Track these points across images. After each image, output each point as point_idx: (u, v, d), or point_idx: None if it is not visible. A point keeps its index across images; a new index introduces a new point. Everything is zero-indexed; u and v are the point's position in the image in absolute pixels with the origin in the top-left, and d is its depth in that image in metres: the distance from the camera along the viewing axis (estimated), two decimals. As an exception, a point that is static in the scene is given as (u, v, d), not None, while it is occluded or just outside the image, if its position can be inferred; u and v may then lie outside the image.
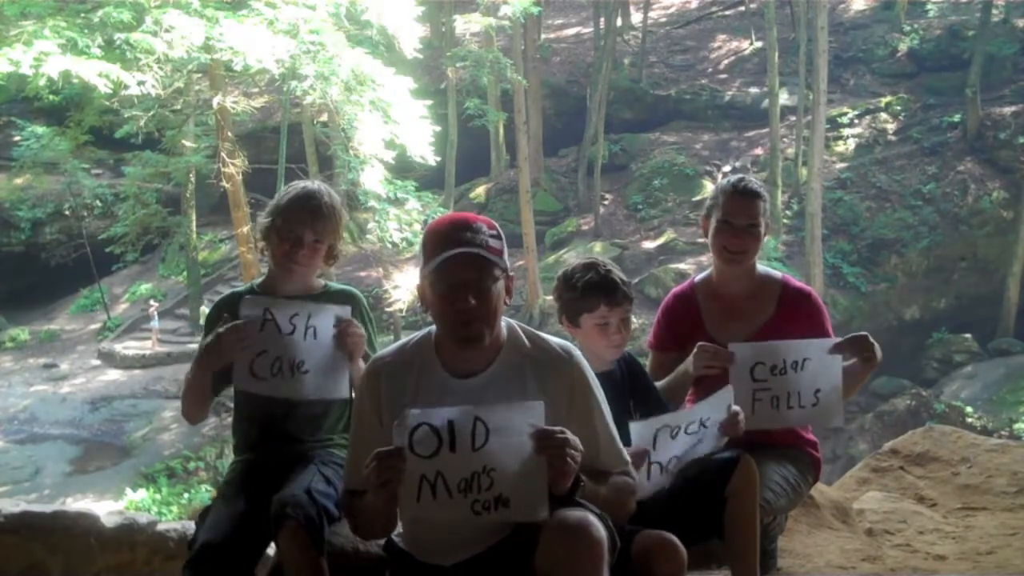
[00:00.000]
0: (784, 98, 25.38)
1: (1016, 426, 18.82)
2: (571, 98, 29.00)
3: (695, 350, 3.01)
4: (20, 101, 24.13)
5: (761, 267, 3.26)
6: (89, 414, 20.93)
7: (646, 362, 3.28)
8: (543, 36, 29.81)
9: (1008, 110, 25.02)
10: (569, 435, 2.13)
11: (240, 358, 2.79)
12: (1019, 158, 24.16)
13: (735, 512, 2.71)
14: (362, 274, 22.79)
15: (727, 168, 25.62)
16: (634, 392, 2.93)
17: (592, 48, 29.58)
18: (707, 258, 3.30)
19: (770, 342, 3.04)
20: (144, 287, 26.41)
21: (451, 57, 22.59)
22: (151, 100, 15.95)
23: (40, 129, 22.52)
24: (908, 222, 24.04)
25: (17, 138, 24.00)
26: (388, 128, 15.29)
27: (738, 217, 3.09)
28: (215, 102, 16.84)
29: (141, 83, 13.60)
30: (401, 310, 21.03)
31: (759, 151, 26.53)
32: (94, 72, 12.58)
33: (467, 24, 23.64)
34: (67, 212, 25.88)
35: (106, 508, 9.80)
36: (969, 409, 19.32)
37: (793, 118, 25.46)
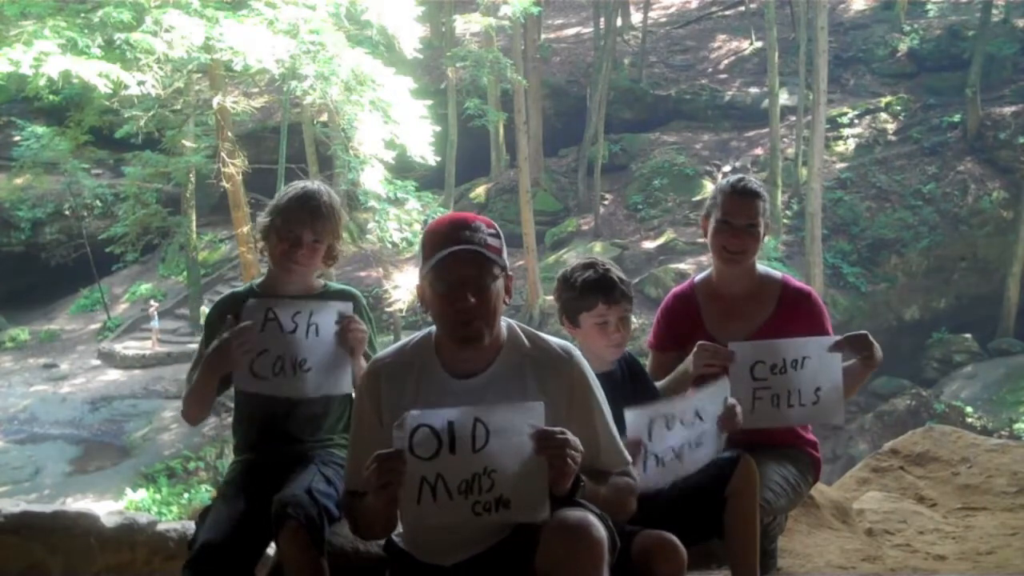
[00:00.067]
0: (784, 98, 25.38)
1: (1016, 426, 18.82)
2: (571, 98, 29.00)
3: (695, 349, 3.01)
4: (20, 101, 24.15)
5: (761, 267, 3.26)
6: (89, 414, 20.93)
7: (646, 362, 3.29)
8: (543, 36, 29.81)
9: (1008, 110, 25.02)
10: (569, 435, 2.13)
11: (243, 361, 2.79)
12: (1019, 158, 24.16)
13: (735, 512, 2.71)
14: (362, 274, 22.79)
15: (727, 168, 25.62)
16: (635, 393, 2.92)
17: (592, 48, 29.58)
18: (707, 258, 3.31)
19: (770, 340, 3.04)
20: (144, 287, 26.41)
21: (451, 57, 22.59)
22: (151, 100, 15.95)
23: (40, 129, 22.52)
24: (908, 222, 24.05)
25: (17, 138, 24.01)
26: (388, 128, 15.29)
27: (737, 217, 3.09)
28: (215, 102, 16.84)
29: (141, 83, 13.60)
30: (401, 310, 21.03)
31: (759, 151, 26.53)
32: (94, 72, 12.58)
33: (467, 24, 23.64)
34: (67, 212, 25.89)
35: (106, 508, 9.80)
36: (969, 409, 19.32)
37: (793, 118, 25.46)
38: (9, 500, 4.11)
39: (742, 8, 32.54)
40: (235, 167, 17.05)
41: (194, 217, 23.34)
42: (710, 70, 30.04)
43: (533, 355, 2.34)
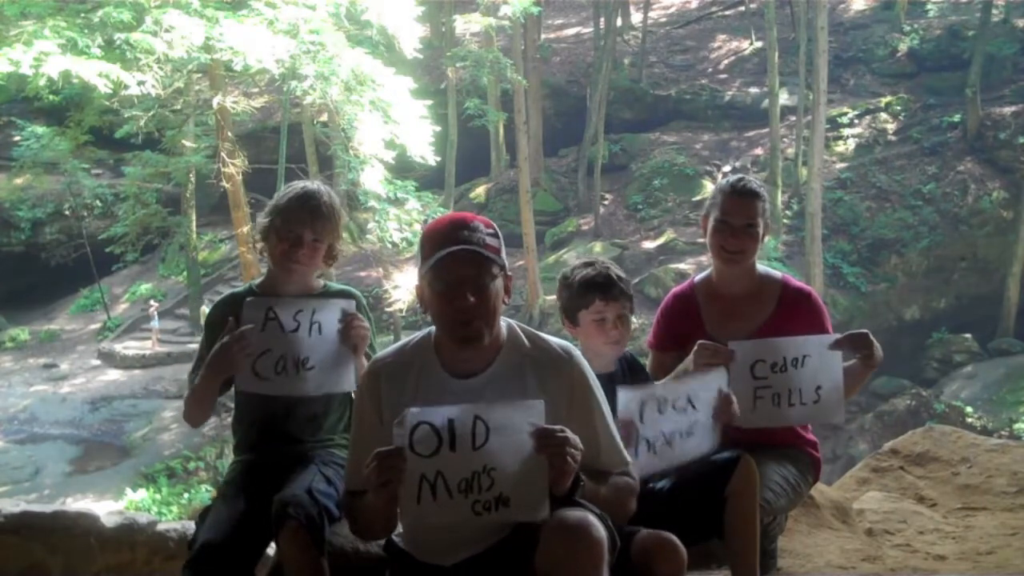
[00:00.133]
0: (784, 98, 25.39)
1: (1016, 426, 18.82)
2: (571, 98, 29.01)
3: (695, 348, 3.00)
4: (20, 101, 24.15)
5: (761, 267, 3.26)
6: (89, 414, 20.93)
7: (646, 362, 3.29)
8: (543, 36, 29.82)
9: (1008, 110, 25.02)
10: (569, 434, 2.13)
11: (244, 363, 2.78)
12: (1019, 158, 24.17)
13: (735, 512, 2.71)
14: (362, 274, 22.79)
15: (727, 168, 25.64)
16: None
17: (592, 48, 29.58)
18: (707, 258, 3.31)
19: (770, 339, 3.04)
20: (144, 287, 26.42)
21: (451, 57, 22.59)
22: (151, 100, 15.95)
23: (40, 129, 22.54)
24: (908, 222, 24.05)
25: (17, 138, 24.02)
26: (388, 128, 15.29)
27: (736, 217, 3.09)
28: (215, 102, 16.84)
29: (141, 83, 13.59)
30: (401, 310, 21.03)
31: (759, 151, 26.54)
32: (94, 72, 12.58)
33: (467, 24, 23.65)
34: (67, 212, 25.89)
35: (106, 508, 9.80)
36: (969, 409, 19.33)
37: (793, 118, 25.46)
38: (9, 500, 4.11)
39: (742, 8, 32.54)
40: (235, 167, 17.05)
41: (194, 217, 23.34)
42: (710, 70, 30.05)
43: (533, 355, 2.35)
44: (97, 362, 23.51)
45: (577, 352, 2.39)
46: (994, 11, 26.56)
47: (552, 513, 2.12)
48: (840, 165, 25.53)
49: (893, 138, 26.17)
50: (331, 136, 17.56)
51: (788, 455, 3.16)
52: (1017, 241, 23.19)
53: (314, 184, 2.97)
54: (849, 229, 24.13)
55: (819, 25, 22.12)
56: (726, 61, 30.36)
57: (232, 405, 2.97)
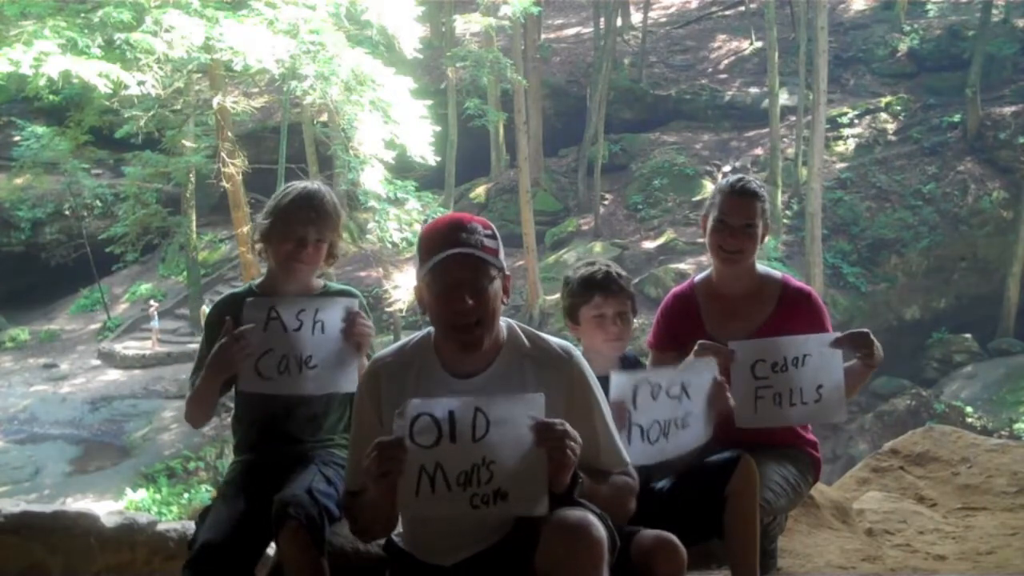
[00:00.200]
0: (784, 98, 25.39)
1: (1016, 426, 18.83)
2: (571, 98, 29.01)
3: (695, 348, 3.00)
4: (20, 101, 24.16)
5: (761, 267, 3.26)
6: (89, 414, 20.94)
7: (647, 362, 3.29)
8: (543, 36, 29.82)
9: (1008, 110, 25.03)
10: (568, 427, 2.13)
11: (244, 363, 2.78)
12: (1019, 158, 24.17)
13: (735, 512, 2.71)
14: (362, 274, 22.80)
15: (727, 168, 25.64)
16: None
17: (592, 48, 29.59)
18: (707, 258, 3.29)
19: (770, 338, 3.04)
20: (144, 287, 26.43)
21: (451, 57, 22.60)
22: (151, 100, 15.96)
23: (40, 129, 22.55)
24: (908, 222, 24.06)
25: (17, 138, 24.03)
26: (388, 128, 15.29)
27: (734, 217, 3.09)
28: (215, 102, 16.85)
29: (141, 83, 13.60)
30: (401, 310, 21.04)
31: (759, 151, 26.54)
32: (94, 72, 12.58)
33: (467, 24, 23.65)
34: (67, 212, 25.90)
35: (106, 508, 9.80)
36: (969, 409, 19.33)
37: (793, 118, 25.47)
38: (9, 500, 4.11)
39: (742, 8, 32.54)
40: (235, 167, 17.06)
41: (194, 217, 23.35)
42: (710, 70, 30.05)
43: (533, 355, 2.35)
44: (97, 362, 23.52)
45: (577, 352, 2.39)
46: (994, 11, 26.56)
47: (552, 513, 2.12)
48: (840, 165, 25.53)
49: (893, 138, 26.17)
50: (331, 136, 17.57)
51: (788, 455, 3.16)
52: (1017, 241, 23.19)
53: (314, 184, 2.97)
54: (849, 229, 24.13)
55: (819, 25, 22.13)
56: (726, 61, 30.37)
57: (232, 405, 2.97)
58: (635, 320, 3.11)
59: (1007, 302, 23.01)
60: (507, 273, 2.31)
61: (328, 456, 2.83)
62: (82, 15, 13.60)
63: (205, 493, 16.47)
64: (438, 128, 16.90)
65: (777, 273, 3.30)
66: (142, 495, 16.63)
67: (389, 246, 18.45)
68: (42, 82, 12.66)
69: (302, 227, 2.85)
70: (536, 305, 22.43)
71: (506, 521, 2.24)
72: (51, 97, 18.33)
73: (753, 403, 2.97)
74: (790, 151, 25.66)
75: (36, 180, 23.13)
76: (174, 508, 16.12)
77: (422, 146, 15.70)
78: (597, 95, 26.01)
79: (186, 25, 13.14)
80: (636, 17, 32.18)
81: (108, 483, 17.62)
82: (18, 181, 25.13)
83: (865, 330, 3.09)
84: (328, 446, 2.89)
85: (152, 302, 24.76)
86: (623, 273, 3.00)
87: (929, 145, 25.33)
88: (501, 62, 21.62)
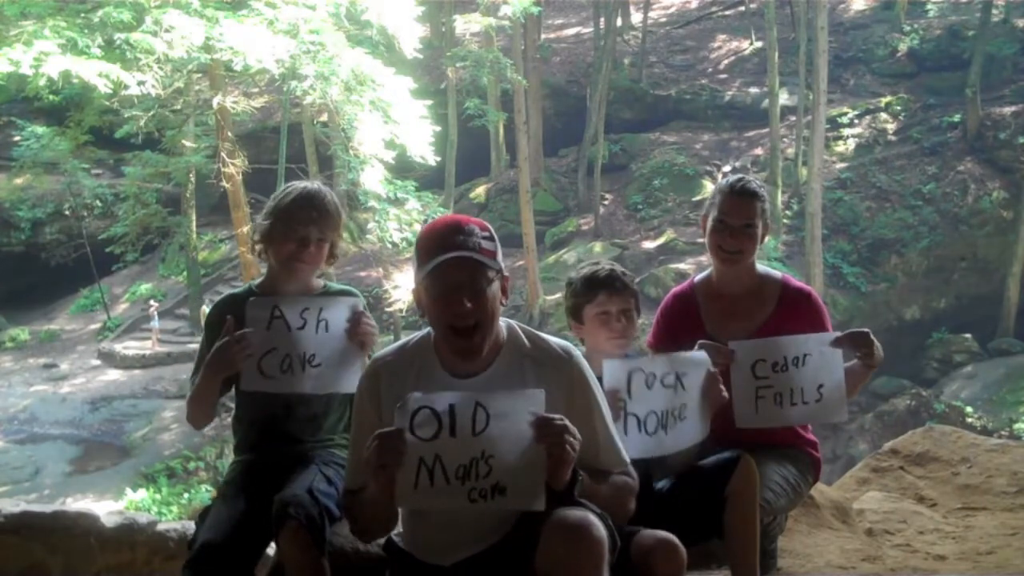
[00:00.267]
0: (784, 98, 25.39)
1: (1016, 426, 18.82)
2: (571, 98, 29.01)
3: (695, 348, 3.00)
4: (20, 101, 24.16)
5: (761, 267, 3.26)
6: (89, 414, 20.93)
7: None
8: (543, 36, 29.82)
9: (1008, 110, 25.02)
10: (568, 423, 2.14)
11: (246, 363, 2.78)
12: (1019, 158, 24.16)
13: (735, 512, 2.71)
14: (362, 274, 22.80)
15: (727, 168, 25.64)
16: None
17: (592, 48, 29.59)
18: (707, 258, 3.29)
19: (770, 338, 3.04)
20: (144, 287, 26.42)
21: (451, 57, 22.60)
22: (151, 100, 15.95)
23: (40, 129, 22.54)
24: (908, 222, 24.05)
25: (17, 138, 24.03)
26: (388, 128, 15.29)
27: (734, 217, 3.09)
28: (215, 102, 16.84)
29: (141, 83, 13.60)
30: (401, 310, 21.04)
31: (759, 151, 26.54)
32: (94, 72, 12.58)
33: (467, 24, 23.65)
34: (67, 212, 25.90)
35: (106, 508, 9.80)
36: (969, 409, 19.33)
37: (793, 118, 25.46)
38: (9, 500, 4.11)
39: (742, 8, 32.54)
40: (235, 167, 17.05)
41: (194, 217, 23.34)
42: (710, 70, 30.05)
43: (533, 355, 2.35)
44: (97, 362, 23.51)
45: (577, 352, 2.40)
46: (994, 11, 26.55)
47: (552, 512, 2.12)
48: (840, 165, 25.53)
49: (893, 138, 26.16)
50: (331, 136, 17.56)
51: (788, 455, 3.16)
52: (1017, 241, 23.18)
53: (314, 184, 2.98)
54: (849, 229, 24.13)
55: (819, 25, 22.12)
56: (726, 61, 30.37)
57: (232, 405, 2.97)
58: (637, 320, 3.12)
59: (1007, 302, 23.00)
60: (505, 274, 2.32)
61: (328, 456, 2.84)
62: (82, 15, 13.60)
63: (205, 493, 16.47)
64: (438, 128, 16.90)
65: (777, 273, 3.30)
66: (142, 495, 16.63)
67: (389, 246, 18.45)
68: (42, 82, 12.66)
69: (304, 227, 2.85)
70: (536, 305, 22.43)
71: (506, 521, 2.25)
72: (51, 97, 18.33)
73: (754, 403, 2.97)
74: (790, 151, 25.65)
75: (36, 180, 23.13)
76: (174, 508, 16.12)
77: (422, 146, 15.70)
78: (597, 95, 26.00)
79: (186, 25, 13.14)
80: (636, 17, 32.17)
81: (108, 483, 17.62)
82: (18, 181, 25.13)
83: (865, 330, 3.09)
84: (328, 446, 2.89)
85: (152, 302, 24.75)
86: (627, 272, 3.01)
87: (929, 145, 25.32)
88: (501, 62, 21.62)
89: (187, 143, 20.14)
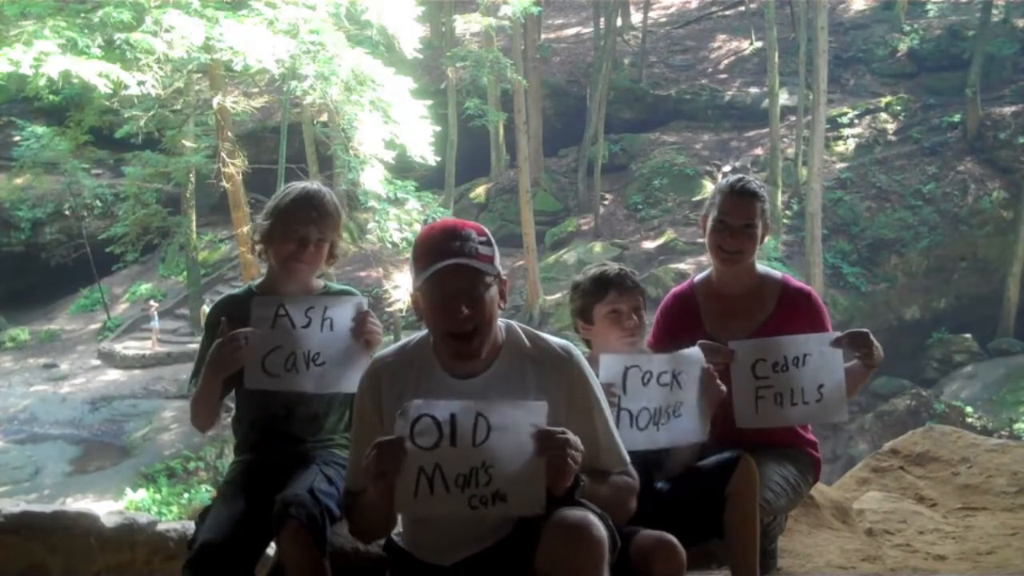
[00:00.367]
0: (784, 98, 25.39)
1: (1016, 426, 18.82)
2: (571, 98, 29.01)
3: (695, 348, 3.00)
4: (20, 101, 24.16)
5: (761, 267, 3.26)
6: (89, 414, 20.93)
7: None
8: (543, 36, 29.82)
9: (1008, 110, 25.02)
10: (570, 435, 2.13)
11: (248, 361, 2.78)
12: (1019, 158, 24.16)
13: (735, 512, 2.71)
14: (362, 274, 22.80)
15: (727, 168, 25.64)
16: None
17: (592, 48, 29.58)
18: (707, 258, 3.29)
19: (771, 338, 3.04)
20: (144, 287, 26.42)
21: (451, 57, 22.60)
22: (151, 100, 15.95)
23: (40, 129, 22.54)
24: (908, 222, 24.05)
25: (17, 138, 24.03)
26: (388, 128, 15.29)
27: (734, 217, 3.09)
28: (215, 102, 16.84)
29: (141, 83, 13.60)
30: (401, 310, 21.01)
31: (759, 151, 26.54)
32: (94, 72, 12.58)
33: (467, 24, 23.65)
34: (67, 212, 25.90)
35: (106, 508, 9.80)
36: (969, 409, 19.32)
37: (793, 118, 25.46)
38: (9, 500, 4.11)
39: (742, 8, 32.54)
40: (235, 167, 17.05)
41: (194, 217, 23.34)
42: (710, 70, 30.04)
43: (533, 355, 2.35)
44: (97, 362, 23.51)
45: (577, 351, 2.40)
46: (994, 11, 26.55)
47: (553, 512, 2.12)
48: (840, 165, 25.53)
49: (893, 138, 26.16)
50: (331, 136, 17.56)
51: (788, 455, 3.16)
52: (1017, 241, 23.18)
53: (314, 184, 2.98)
54: (849, 229, 24.13)
55: (819, 25, 22.13)
56: (726, 61, 30.36)
57: (233, 405, 2.97)
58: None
59: (1007, 302, 23.00)
60: (503, 277, 2.31)
61: (329, 456, 2.84)
62: (82, 15, 13.60)
63: (205, 493, 16.46)
64: (438, 128, 16.90)
65: (777, 273, 3.30)
66: (142, 495, 16.63)
67: (389, 246, 18.43)
68: (42, 82, 12.65)
69: (304, 227, 2.85)
70: (536, 305, 22.43)
71: (506, 521, 2.24)
72: (51, 97, 18.34)
73: (754, 403, 2.97)
74: (790, 151, 25.65)
75: (36, 180, 23.13)
76: (174, 508, 16.11)
77: (422, 146, 15.69)
78: (597, 95, 26.00)
79: (186, 25, 13.13)
80: (636, 17, 32.17)
81: (108, 483, 17.62)
82: (18, 181, 25.13)
83: (865, 330, 3.09)
84: (329, 446, 2.89)
85: (152, 302, 24.75)
86: (632, 270, 3.02)
87: (929, 145, 25.32)
88: (501, 62, 21.62)
89: (187, 143, 20.14)
